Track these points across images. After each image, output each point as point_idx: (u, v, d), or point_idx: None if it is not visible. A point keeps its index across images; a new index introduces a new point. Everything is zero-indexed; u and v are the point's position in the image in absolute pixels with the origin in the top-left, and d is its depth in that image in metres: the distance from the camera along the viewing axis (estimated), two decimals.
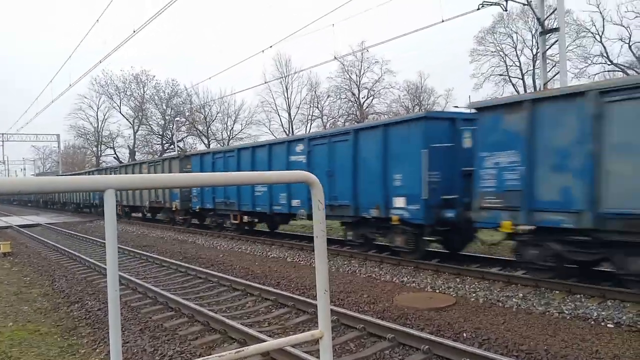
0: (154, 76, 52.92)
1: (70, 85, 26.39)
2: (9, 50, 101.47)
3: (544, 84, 14.34)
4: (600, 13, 35.67)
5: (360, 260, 10.83)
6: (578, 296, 7.15)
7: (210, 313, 6.62)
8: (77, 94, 52.84)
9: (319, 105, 50.22)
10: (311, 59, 75.97)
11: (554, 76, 16.73)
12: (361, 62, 47.78)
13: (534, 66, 38.55)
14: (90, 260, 11.83)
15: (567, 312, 6.54)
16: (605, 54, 36.16)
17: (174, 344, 5.80)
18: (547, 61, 15.74)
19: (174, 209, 20.84)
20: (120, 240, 15.30)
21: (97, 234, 19.56)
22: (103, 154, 58.36)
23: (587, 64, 37.06)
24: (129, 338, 6.02)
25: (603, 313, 6.37)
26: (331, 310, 5.25)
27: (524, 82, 40.94)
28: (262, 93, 50.25)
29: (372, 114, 46.87)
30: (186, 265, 10.80)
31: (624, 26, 34.88)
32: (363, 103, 49.01)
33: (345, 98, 49.59)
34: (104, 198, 1.32)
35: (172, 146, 48.33)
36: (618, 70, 35.25)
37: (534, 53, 37.77)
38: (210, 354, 1.86)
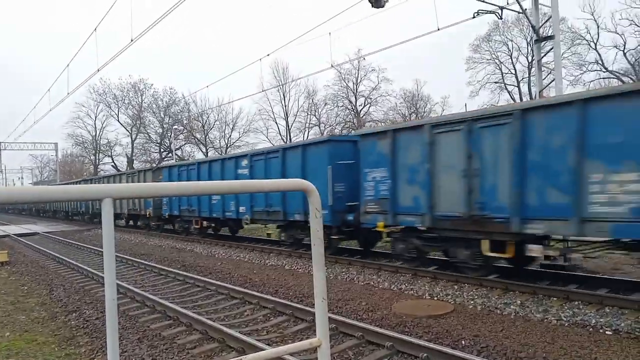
0: (152, 84, 53.14)
1: (68, 93, 26.41)
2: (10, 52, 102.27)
3: (540, 92, 14.43)
4: (595, 20, 36.06)
5: (358, 268, 10.83)
6: (576, 303, 7.16)
7: (209, 321, 6.59)
8: (75, 103, 53.06)
9: (317, 113, 50.34)
10: (308, 67, 76.32)
11: (549, 83, 16.79)
12: (358, 70, 48.04)
13: (529, 74, 38.73)
14: (88, 269, 11.79)
15: (565, 319, 6.54)
16: (600, 61, 36.47)
17: (172, 352, 5.78)
18: (543, 69, 15.89)
19: (147, 215, 22.54)
20: (118, 249, 15.26)
21: (95, 242, 19.50)
22: (101, 162, 58.36)
23: (582, 72, 37.38)
24: (127, 347, 5.99)
25: (601, 320, 6.37)
26: (329, 318, 5.26)
27: (519, 89, 41.11)
28: (260, 101, 50.28)
29: (369, 121, 46.92)
30: (184, 273, 10.77)
31: (618, 34, 35.27)
32: (360, 111, 49.17)
33: (343, 106, 49.77)
34: (101, 207, 1.33)
35: (170, 154, 48.25)
36: (613, 78, 35.50)
37: (530, 61, 37.93)
38: None
